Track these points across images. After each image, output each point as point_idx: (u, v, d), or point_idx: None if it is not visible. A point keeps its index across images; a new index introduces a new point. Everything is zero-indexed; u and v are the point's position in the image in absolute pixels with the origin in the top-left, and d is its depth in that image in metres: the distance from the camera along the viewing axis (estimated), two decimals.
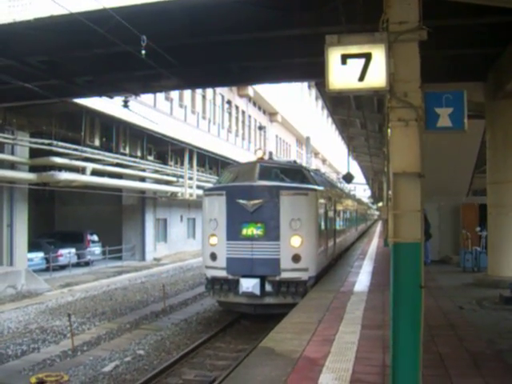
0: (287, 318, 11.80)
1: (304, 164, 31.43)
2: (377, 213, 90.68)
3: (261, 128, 52.44)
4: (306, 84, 69.39)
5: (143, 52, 11.73)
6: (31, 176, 26.05)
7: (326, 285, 16.73)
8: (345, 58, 6.31)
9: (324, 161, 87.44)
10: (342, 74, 6.34)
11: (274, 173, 17.23)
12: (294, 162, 21.60)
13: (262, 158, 17.70)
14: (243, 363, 8.70)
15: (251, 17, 12.50)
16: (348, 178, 27.43)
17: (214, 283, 16.30)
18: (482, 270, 18.43)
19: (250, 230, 15.84)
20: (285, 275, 15.57)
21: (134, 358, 13.10)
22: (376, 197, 67.77)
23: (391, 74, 6.25)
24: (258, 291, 15.37)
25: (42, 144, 25.51)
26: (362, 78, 6.27)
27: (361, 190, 73.06)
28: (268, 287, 15.60)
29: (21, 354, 13.77)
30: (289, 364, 8.25)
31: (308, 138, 55.55)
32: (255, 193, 15.90)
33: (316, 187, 17.27)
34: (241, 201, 15.82)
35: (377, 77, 6.24)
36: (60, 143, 25.99)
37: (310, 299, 14.17)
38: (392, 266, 6.35)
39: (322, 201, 18.15)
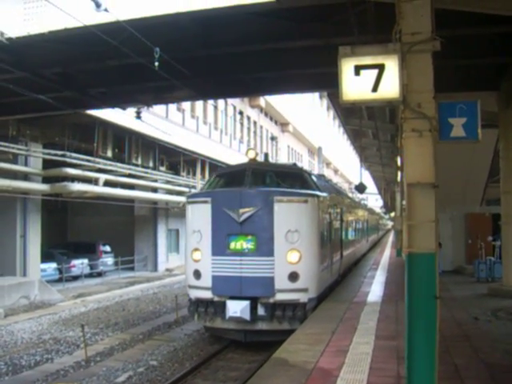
0: (300, 328, 11.76)
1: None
2: (389, 223, 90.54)
3: (273, 138, 52.49)
4: (317, 94, 69.42)
5: (156, 63, 11.78)
6: (44, 187, 26.20)
7: (339, 295, 16.65)
8: (358, 69, 6.34)
9: (336, 171, 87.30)
10: (356, 85, 6.37)
11: (269, 176, 15.22)
12: (294, 164, 19.08)
13: (254, 160, 15.64)
14: (257, 374, 8.66)
15: (263, 28, 12.55)
16: (360, 188, 27.37)
17: (198, 305, 14.28)
18: (496, 280, 18.33)
19: (238, 244, 13.84)
20: (280, 297, 13.54)
21: (147, 369, 13.07)
22: (388, 207, 67.49)
23: (405, 85, 6.27)
24: (247, 316, 13.32)
25: (55, 155, 25.64)
26: (375, 89, 6.28)
27: (373, 199, 72.84)
28: (260, 311, 13.55)
29: (34, 364, 13.77)
30: (303, 375, 8.21)
31: (320, 148, 55.51)
32: (245, 200, 13.84)
33: (318, 193, 15.08)
34: (228, 209, 13.79)
35: (390, 88, 6.26)
36: (73, 154, 26.12)
37: (323, 310, 14.10)
38: (407, 277, 6.33)
39: (325, 209, 16.07)
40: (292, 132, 61.82)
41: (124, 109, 19.97)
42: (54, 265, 30.08)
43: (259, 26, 12.44)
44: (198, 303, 14.28)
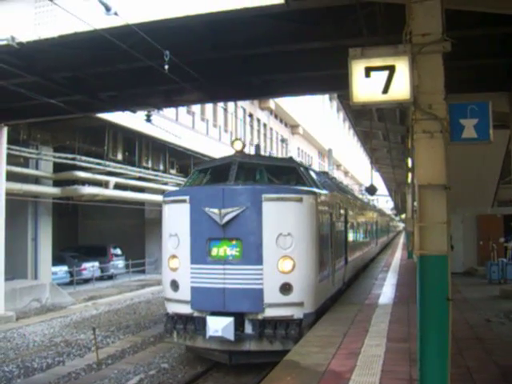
0: (311, 331, 11.73)
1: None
2: (400, 224, 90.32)
3: (283, 141, 52.48)
4: (327, 96, 69.41)
5: (166, 67, 11.80)
6: (55, 190, 26.32)
7: (351, 297, 16.61)
8: (368, 71, 6.32)
9: (346, 173, 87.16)
10: (366, 86, 6.36)
11: (259, 171, 13.32)
12: (290, 158, 16.96)
13: (241, 152, 13.72)
14: (268, 377, 8.66)
15: (272, 30, 12.53)
16: (371, 190, 27.29)
17: (176, 322, 12.53)
18: (508, 282, 18.25)
19: (221, 250, 12.12)
20: (270, 312, 11.75)
21: (158, 372, 13.09)
22: (399, 208, 67.33)
23: (415, 86, 6.25)
24: (230, 335, 11.55)
25: (66, 158, 25.79)
26: (385, 91, 6.27)
27: (383, 201, 72.69)
28: (248, 328, 11.89)
29: (46, 367, 13.83)
30: (314, 378, 8.21)
31: (330, 150, 55.46)
32: (228, 198, 12.03)
33: (315, 190, 13.24)
34: (209, 209, 12.00)
35: (401, 89, 6.24)
36: (83, 158, 26.27)
37: (335, 312, 14.06)
38: (418, 279, 6.31)
39: (324, 208, 14.14)
40: (302, 134, 61.79)
41: (134, 112, 19.99)
42: (65, 268, 30.26)
43: (268, 28, 12.43)
44: (176, 319, 12.55)
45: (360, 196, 37.06)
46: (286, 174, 13.91)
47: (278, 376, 8.61)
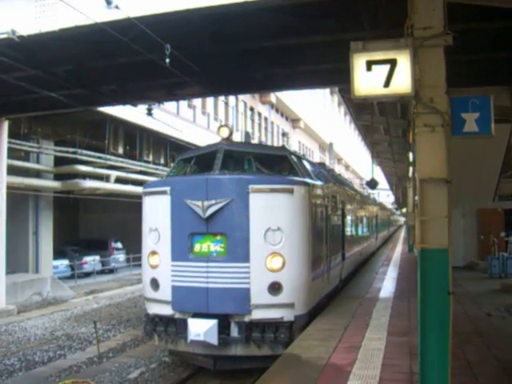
0: (313, 324, 11.72)
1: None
2: (400, 219, 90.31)
3: (284, 135, 52.45)
4: (328, 90, 69.37)
5: (167, 60, 11.78)
6: (56, 184, 26.35)
7: (351, 291, 16.62)
8: (370, 65, 6.32)
9: (347, 167, 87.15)
10: (367, 80, 6.35)
11: (247, 160, 12.39)
12: (283, 146, 15.64)
13: (228, 139, 12.70)
14: (269, 370, 8.67)
15: (274, 24, 12.51)
16: (372, 183, 27.19)
17: (156, 323, 11.61)
18: (509, 276, 18.27)
19: (204, 246, 11.19)
20: (258, 314, 10.81)
21: (159, 365, 13.11)
22: (400, 202, 67.33)
23: (417, 80, 6.25)
24: (214, 339, 10.59)
25: (67, 152, 25.80)
26: (387, 84, 6.26)
27: (384, 195, 72.71)
28: (234, 331, 10.93)
29: (47, 360, 13.86)
30: (315, 371, 8.22)
31: (331, 144, 55.45)
32: (212, 189, 11.03)
33: (308, 181, 12.23)
34: (191, 201, 11.05)
35: (402, 83, 6.24)
36: (84, 151, 26.28)
37: (336, 306, 14.06)
38: (419, 273, 6.32)
39: (318, 201, 13.02)
40: (303, 128, 61.74)
41: (135, 106, 19.96)
42: (65, 262, 30.31)
43: (269, 22, 12.40)
44: (157, 320, 11.63)
45: (360, 189, 36.84)
46: (277, 164, 12.91)
47: (279, 369, 8.62)
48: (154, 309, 11.80)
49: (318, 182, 13.45)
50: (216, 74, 15.35)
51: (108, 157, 27.76)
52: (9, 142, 21.32)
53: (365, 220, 26.73)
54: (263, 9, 11.39)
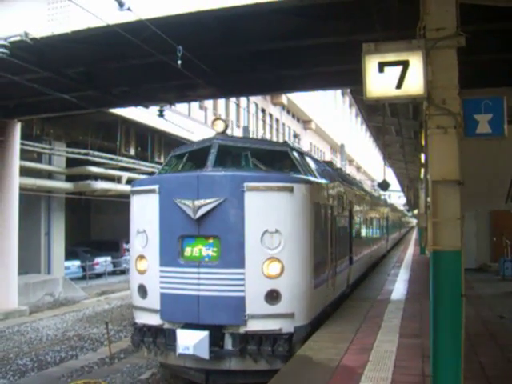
0: (324, 326, 11.68)
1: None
2: (412, 220, 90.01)
3: (295, 136, 52.46)
4: (339, 91, 69.29)
5: (179, 62, 11.79)
6: (68, 185, 26.49)
7: (363, 293, 16.57)
8: (382, 66, 6.30)
9: (359, 168, 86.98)
10: (380, 81, 6.34)
11: (244, 156, 11.22)
12: (284, 142, 13.73)
13: (223, 133, 11.51)
14: (281, 372, 8.66)
15: (285, 26, 12.53)
16: (384, 185, 27.16)
17: (144, 334, 10.54)
18: None
19: (195, 250, 10.18)
20: (254, 325, 9.77)
21: None
22: (411, 204, 67.10)
23: (429, 82, 6.23)
24: (205, 353, 9.58)
25: (79, 154, 25.94)
26: (399, 86, 6.25)
27: (396, 197, 72.51)
28: (228, 343, 9.93)
29: (59, 360, 13.93)
30: (327, 373, 8.20)
31: (342, 146, 55.36)
32: (204, 187, 10.02)
33: (310, 179, 11.25)
34: (181, 201, 10.03)
35: (414, 84, 6.22)
36: (96, 153, 26.40)
37: (347, 307, 14.01)
38: (431, 275, 6.30)
39: (322, 201, 11.95)
40: (314, 129, 61.70)
41: (147, 107, 20.04)
42: (77, 262, 30.42)
43: (281, 23, 12.42)
44: (145, 331, 10.56)
45: (370, 190, 36.60)
46: (277, 161, 11.82)
47: (290, 371, 8.62)
48: (142, 318, 10.74)
49: (322, 181, 12.46)
50: (227, 75, 15.38)
51: (120, 158, 27.86)
52: (21, 144, 21.47)
53: (375, 222, 25.59)
54: (275, 10, 11.39)
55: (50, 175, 25.97)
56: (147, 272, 10.63)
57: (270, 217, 10.01)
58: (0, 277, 19.86)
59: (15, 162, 20.74)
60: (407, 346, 9.72)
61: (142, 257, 10.76)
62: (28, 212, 23.81)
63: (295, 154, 11.87)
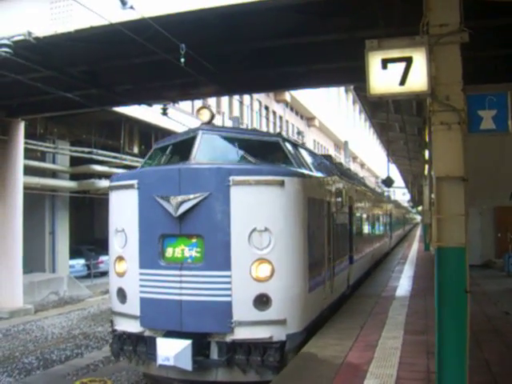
0: (329, 323, 11.68)
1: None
2: (416, 217, 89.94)
3: (299, 133, 52.41)
4: (342, 88, 69.23)
5: (182, 60, 11.79)
6: (72, 184, 26.55)
7: (367, 290, 16.55)
8: (385, 63, 6.28)
9: (362, 165, 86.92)
10: (383, 78, 6.31)
11: (232, 148, 10.24)
12: (279, 134, 13.04)
13: (209, 123, 10.66)
14: (286, 368, 8.65)
15: (288, 23, 12.51)
16: (388, 182, 27.09)
17: (124, 342, 9.70)
18: None
19: (177, 250, 9.29)
20: (241, 333, 8.90)
21: None
22: (416, 200, 67.05)
23: (433, 78, 6.21)
24: (187, 364, 8.73)
25: (83, 152, 25.97)
26: (403, 82, 6.22)
27: (400, 193, 72.47)
28: (214, 353, 9.08)
29: (65, 359, 13.98)
30: (332, 370, 8.19)
31: (346, 143, 55.31)
32: (186, 182, 9.13)
33: (304, 172, 10.31)
34: (161, 197, 9.16)
35: (418, 80, 6.20)
36: (100, 151, 26.45)
37: (352, 304, 14.00)
38: (436, 271, 6.29)
39: (318, 196, 10.93)
40: (318, 126, 61.62)
41: (150, 105, 20.05)
42: (82, 261, 30.45)
43: (284, 20, 12.40)
44: (125, 338, 9.71)
45: (373, 186, 36.46)
46: (269, 153, 10.73)
47: (295, 368, 8.61)
48: (122, 325, 9.82)
49: (318, 174, 11.57)
50: (230, 72, 15.37)
51: (123, 156, 27.88)
52: (25, 143, 21.51)
53: (377, 218, 24.89)
54: (278, 8, 11.39)
55: (53, 174, 26.04)
56: (126, 274, 9.75)
57: (259, 213, 9.12)
58: (5, 276, 19.91)
59: (19, 161, 20.78)
60: (412, 343, 9.72)
61: (120, 258, 9.89)
62: (32, 211, 23.86)
63: (288, 145, 10.98)
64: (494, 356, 8.83)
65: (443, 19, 6.28)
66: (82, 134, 26.90)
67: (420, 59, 6.19)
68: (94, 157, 26.08)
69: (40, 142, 24.00)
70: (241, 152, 10.03)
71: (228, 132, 11.24)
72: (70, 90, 16.16)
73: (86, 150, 26.06)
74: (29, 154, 22.44)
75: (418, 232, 67.15)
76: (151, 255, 9.35)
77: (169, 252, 9.32)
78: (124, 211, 9.93)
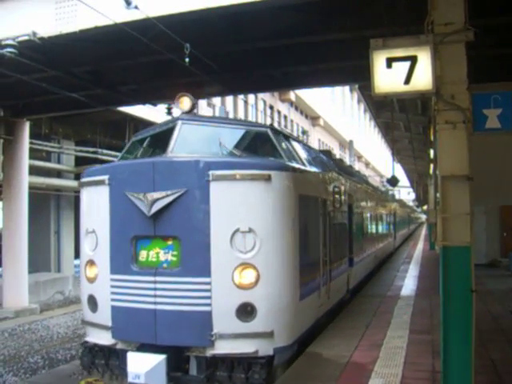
0: (334, 323, 11.67)
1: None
2: (422, 216, 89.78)
3: (304, 133, 52.34)
4: (347, 87, 69.17)
5: (187, 59, 11.79)
6: (77, 184, 26.47)
7: (372, 289, 16.54)
8: (390, 62, 6.27)
9: (367, 164, 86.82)
10: (388, 77, 6.30)
11: (214, 140, 9.11)
12: (270, 125, 10.79)
13: (190, 113, 9.75)
14: (291, 368, 8.64)
15: (292, 22, 12.50)
16: (393, 181, 27.09)
17: (95, 355, 8.78)
18: None
19: (152, 254, 8.31)
20: (223, 347, 7.87)
21: None
22: (421, 199, 66.97)
23: (438, 77, 6.19)
24: (161, 381, 7.79)
25: (87, 152, 25.95)
26: (407, 81, 6.21)
27: (405, 193, 72.39)
28: (192, 369, 8.13)
29: (70, 358, 14.00)
30: (337, 369, 8.19)
31: (351, 142, 55.24)
32: (160, 177, 8.16)
33: (294, 165, 9.19)
34: (132, 194, 8.21)
35: (423, 79, 6.18)
36: (105, 151, 26.41)
37: (357, 304, 13.99)
38: (441, 270, 6.27)
39: (311, 193, 9.91)
40: (323, 126, 61.56)
41: (155, 105, 20.07)
42: None
43: (288, 20, 12.39)
44: (97, 350, 8.77)
45: (376, 184, 36.29)
46: (256, 145, 9.70)
47: (301, 367, 8.61)
48: (93, 336, 8.89)
49: (312, 169, 10.53)
50: (235, 72, 15.37)
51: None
52: (30, 143, 21.53)
53: (380, 218, 23.75)
54: (283, 7, 11.38)
55: (59, 174, 26.04)
56: (97, 280, 8.81)
57: (242, 212, 8.08)
58: (10, 275, 19.96)
59: (24, 161, 20.81)
60: (417, 342, 9.70)
61: (91, 262, 8.94)
62: (37, 211, 23.89)
63: (278, 136, 9.85)
64: (499, 355, 8.81)
65: (448, 18, 6.26)
66: (86, 133, 26.91)
67: (425, 58, 6.17)
68: (99, 156, 26.05)
69: (45, 142, 24.01)
70: (225, 144, 9.01)
71: (211, 122, 10.09)
72: (75, 90, 16.19)
73: (91, 149, 26.05)
74: (34, 154, 22.46)
75: (423, 231, 67.00)
76: (123, 259, 8.42)
77: (142, 255, 8.39)
78: (95, 210, 9.07)
